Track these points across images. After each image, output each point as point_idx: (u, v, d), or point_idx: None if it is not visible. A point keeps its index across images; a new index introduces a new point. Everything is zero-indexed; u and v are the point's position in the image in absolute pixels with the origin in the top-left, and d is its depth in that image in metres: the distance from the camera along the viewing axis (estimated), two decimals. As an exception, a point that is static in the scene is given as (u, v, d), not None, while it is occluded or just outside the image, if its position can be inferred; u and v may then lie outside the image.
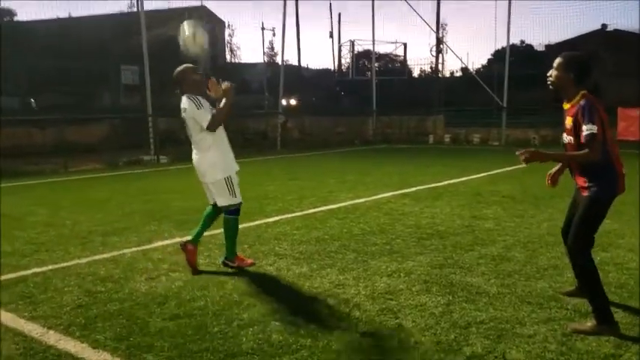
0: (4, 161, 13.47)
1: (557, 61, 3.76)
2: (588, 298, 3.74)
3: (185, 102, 4.84)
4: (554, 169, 4.13)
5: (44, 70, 23.83)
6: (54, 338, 3.62)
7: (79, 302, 4.28)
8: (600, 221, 3.72)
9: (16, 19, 26.64)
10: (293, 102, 29.48)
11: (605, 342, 3.45)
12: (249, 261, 5.23)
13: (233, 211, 5.01)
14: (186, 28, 4.95)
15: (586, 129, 3.51)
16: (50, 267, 5.28)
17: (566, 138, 3.76)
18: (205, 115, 4.78)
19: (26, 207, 8.74)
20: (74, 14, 26.50)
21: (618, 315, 3.79)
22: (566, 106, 3.75)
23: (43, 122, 18.26)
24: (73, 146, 15.98)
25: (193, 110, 4.79)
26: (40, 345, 3.52)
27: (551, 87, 3.80)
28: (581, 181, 3.77)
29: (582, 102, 3.60)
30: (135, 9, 18.32)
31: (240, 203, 5.05)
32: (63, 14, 25.18)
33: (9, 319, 3.97)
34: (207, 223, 5.20)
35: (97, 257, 5.46)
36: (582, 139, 3.54)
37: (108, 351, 3.43)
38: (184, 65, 4.93)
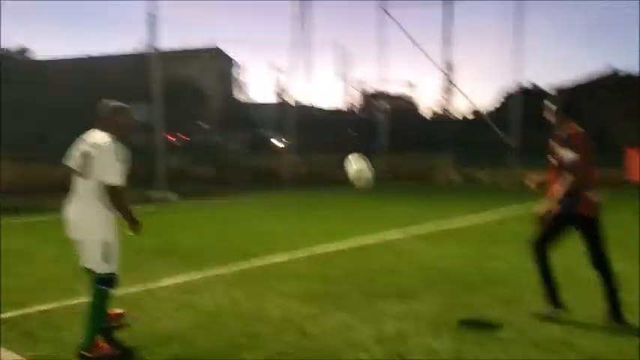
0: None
1: None
2: None
3: (103, 140, 4.03)
4: None
5: (57, 107, 24.17)
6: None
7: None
8: None
9: (33, 57, 27.26)
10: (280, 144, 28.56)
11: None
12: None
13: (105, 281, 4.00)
14: (353, 163, 4.92)
15: None
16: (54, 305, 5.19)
17: None
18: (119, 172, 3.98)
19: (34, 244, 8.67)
20: (91, 54, 27.11)
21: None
22: None
23: (54, 159, 18.48)
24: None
25: (110, 156, 3.96)
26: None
27: None
28: None
29: None
30: (150, 49, 18.62)
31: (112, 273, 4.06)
32: (78, 54, 25.71)
33: None
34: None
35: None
36: None
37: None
38: (118, 104, 4.20)
